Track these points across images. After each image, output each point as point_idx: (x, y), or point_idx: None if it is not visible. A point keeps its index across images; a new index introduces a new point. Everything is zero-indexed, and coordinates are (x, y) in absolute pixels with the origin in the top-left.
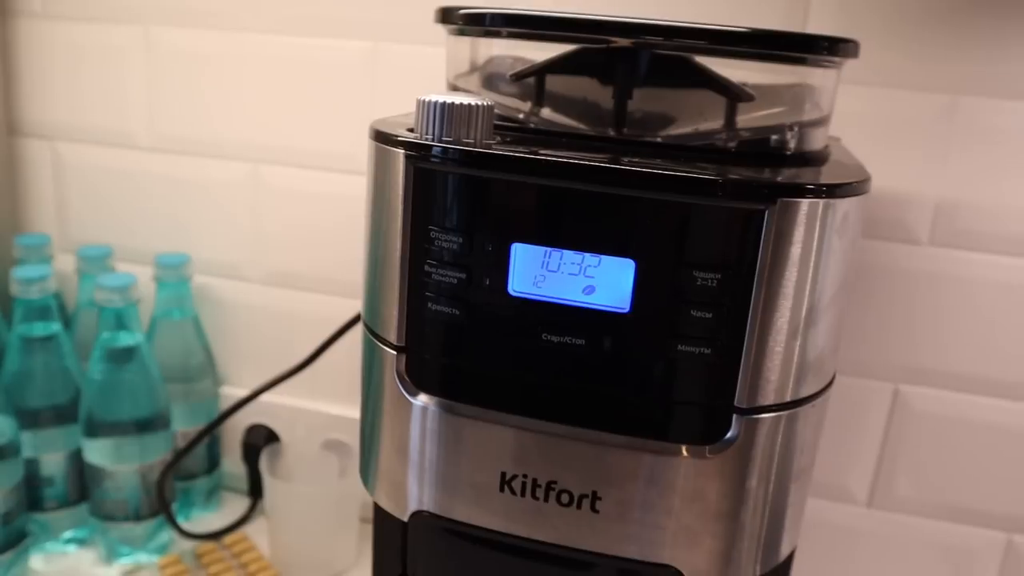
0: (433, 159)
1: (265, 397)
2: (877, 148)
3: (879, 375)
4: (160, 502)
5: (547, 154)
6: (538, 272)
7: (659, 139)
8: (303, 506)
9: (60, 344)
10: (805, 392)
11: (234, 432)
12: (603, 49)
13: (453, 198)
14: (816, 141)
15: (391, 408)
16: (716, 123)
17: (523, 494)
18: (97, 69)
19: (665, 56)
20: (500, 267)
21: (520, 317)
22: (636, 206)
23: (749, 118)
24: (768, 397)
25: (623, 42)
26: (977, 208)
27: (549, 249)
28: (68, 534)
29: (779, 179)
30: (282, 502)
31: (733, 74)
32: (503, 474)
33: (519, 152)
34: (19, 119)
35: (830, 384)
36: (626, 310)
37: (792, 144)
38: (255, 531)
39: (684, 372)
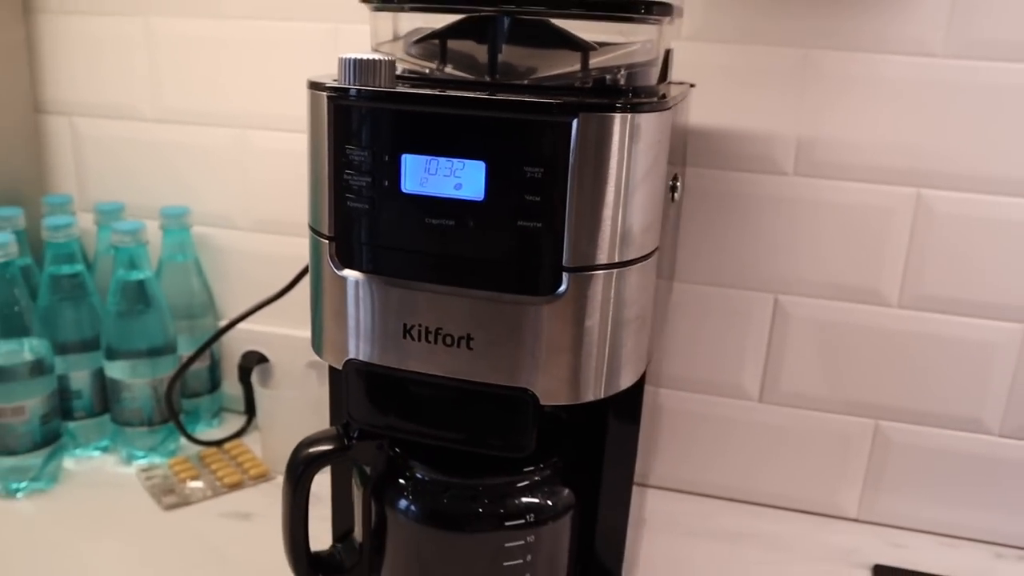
0: (349, 98)
1: (257, 326)
2: (746, 95)
3: (760, 287)
4: (169, 410)
5: (421, 91)
6: (422, 175)
7: (526, 82)
8: (288, 411)
9: (84, 281)
10: (626, 257)
11: (232, 359)
12: (478, 16)
13: (361, 125)
14: (648, 79)
15: (329, 285)
16: (573, 68)
17: (419, 339)
18: (107, 55)
19: (525, 20)
20: (394, 173)
21: (411, 208)
22: (484, 123)
23: (596, 63)
24: (592, 259)
25: (491, 10)
26: (829, 144)
27: (428, 158)
28: (94, 443)
29: (581, 100)
30: (270, 407)
31: (589, 31)
32: (404, 325)
33: (403, 90)
34: (42, 99)
35: (651, 254)
36: (482, 199)
37: (623, 81)
38: (251, 441)
39: (525, 242)
